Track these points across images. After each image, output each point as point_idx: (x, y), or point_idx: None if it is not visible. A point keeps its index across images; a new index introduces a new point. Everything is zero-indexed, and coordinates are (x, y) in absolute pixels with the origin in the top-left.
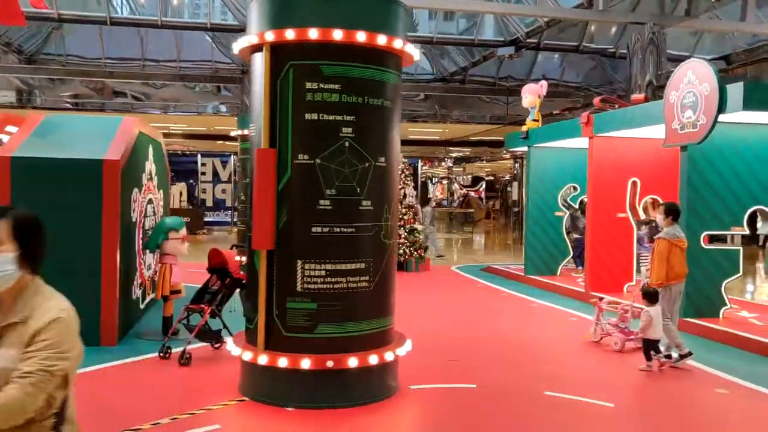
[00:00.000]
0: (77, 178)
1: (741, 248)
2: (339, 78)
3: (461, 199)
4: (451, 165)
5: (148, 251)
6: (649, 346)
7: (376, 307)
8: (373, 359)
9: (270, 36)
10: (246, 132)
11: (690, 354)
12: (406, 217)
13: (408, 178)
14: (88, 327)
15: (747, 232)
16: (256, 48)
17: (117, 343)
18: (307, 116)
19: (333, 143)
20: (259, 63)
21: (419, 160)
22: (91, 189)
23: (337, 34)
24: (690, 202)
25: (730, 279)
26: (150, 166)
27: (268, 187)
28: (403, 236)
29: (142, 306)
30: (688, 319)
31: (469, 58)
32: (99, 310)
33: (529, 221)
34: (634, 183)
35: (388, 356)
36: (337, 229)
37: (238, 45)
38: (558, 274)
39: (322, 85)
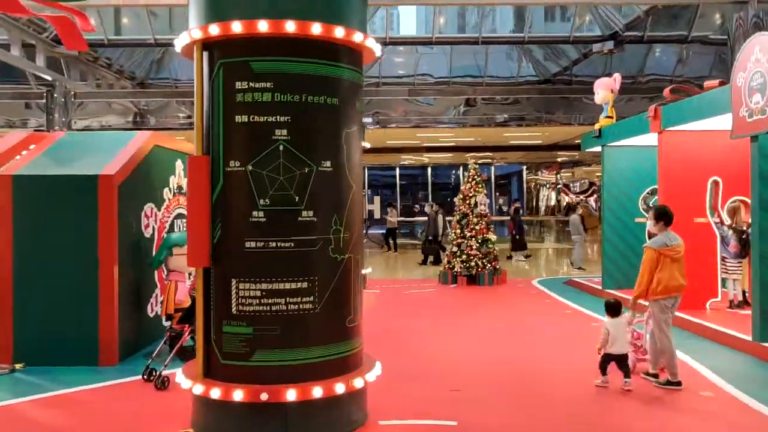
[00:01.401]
0: (73, 194)
1: None
2: (271, 75)
3: (567, 206)
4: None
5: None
6: (606, 360)
7: (327, 331)
8: (317, 391)
9: (197, 33)
10: None
11: (678, 384)
12: (478, 227)
13: (480, 185)
14: (86, 346)
15: None
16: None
17: (119, 363)
18: (238, 119)
19: (265, 147)
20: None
21: (524, 167)
22: (87, 205)
23: (263, 26)
24: (764, 203)
25: None
26: (177, 180)
27: (202, 198)
28: (474, 248)
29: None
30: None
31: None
32: (97, 328)
33: (605, 229)
34: (716, 183)
35: (339, 388)
36: (273, 244)
37: (178, 45)
38: None
39: (252, 84)
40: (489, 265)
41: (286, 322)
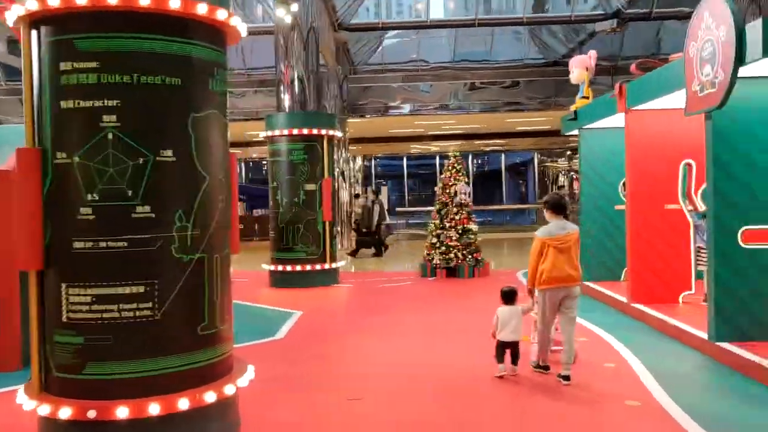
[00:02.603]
0: None
1: None
2: (97, 53)
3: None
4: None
5: None
6: (500, 348)
7: (171, 340)
8: (154, 408)
9: (19, 9)
10: (275, 133)
11: (547, 368)
12: (458, 217)
13: (460, 174)
14: None
15: None
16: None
17: (22, 368)
18: (63, 104)
19: (92, 136)
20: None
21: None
22: None
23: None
24: (719, 188)
25: None
26: None
27: (32, 194)
28: (454, 239)
29: None
30: (725, 345)
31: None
32: None
33: (583, 217)
34: (689, 166)
35: (182, 403)
36: (103, 244)
37: (9, 23)
38: (622, 279)
39: (76, 64)
40: (470, 256)
41: (120, 331)
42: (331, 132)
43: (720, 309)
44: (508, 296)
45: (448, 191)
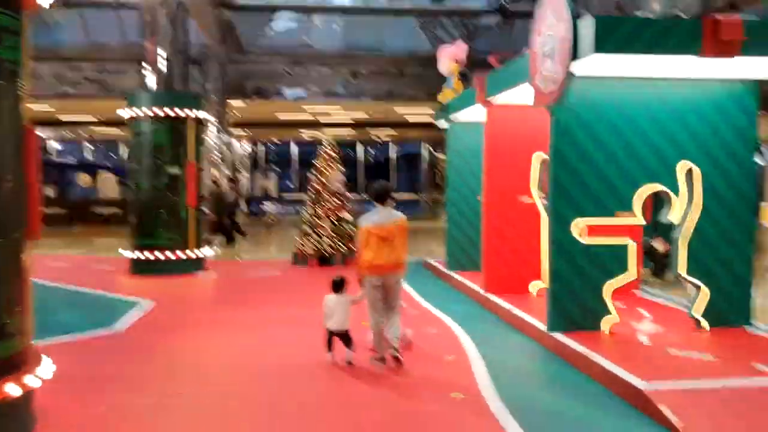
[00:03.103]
0: None
1: (634, 243)
2: None
3: None
4: None
5: None
6: (329, 336)
7: None
8: None
9: None
10: (137, 112)
11: (383, 360)
12: (330, 206)
13: (334, 161)
14: None
15: (639, 220)
16: None
17: None
18: None
19: None
20: None
21: (423, 144)
22: None
23: None
24: (560, 183)
25: (617, 281)
26: None
27: None
28: (327, 227)
29: None
30: (558, 336)
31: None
32: None
33: (449, 208)
34: (543, 160)
35: None
36: None
37: None
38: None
39: None
40: (344, 245)
41: None
42: (197, 113)
43: (556, 300)
44: (337, 285)
45: (322, 179)
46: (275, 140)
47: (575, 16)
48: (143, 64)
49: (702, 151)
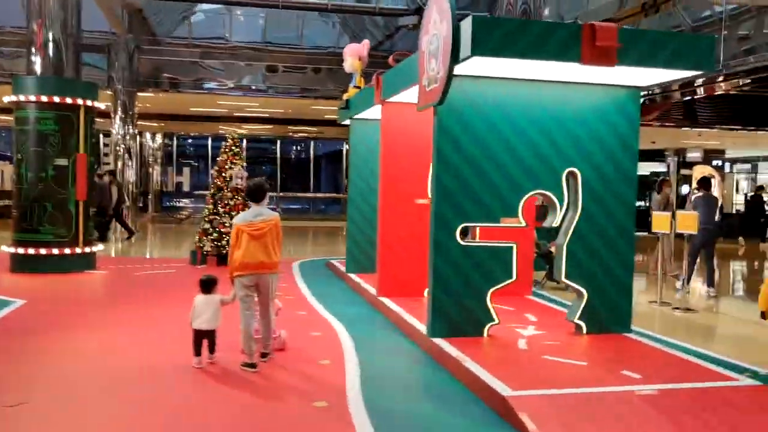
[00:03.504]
0: None
1: (515, 245)
2: None
3: None
4: None
5: None
6: (196, 337)
7: None
8: None
9: None
10: (21, 98)
11: (253, 366)
12: (232, 203)
13: (237, 157)
14: None
15: (524, 224)
16: None
17: None
18: None
19: None
20: None
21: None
22: None
23: None
24: (441, 184)
25: (498, 286)
26: None
27: None
28: (227, 225)
29: None
30: (438, 341)
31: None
32: None
33: (350, 208)
34: None
35: None
36: None
37: None
38: None
39: None
40: None
41: None
42: (90, 102)
43: (437, 304)
44: (206, 285)
45: (223, 175)
46: (192, 134)
47: (455, 15)
48: (31, 47)
49: (584, 157)
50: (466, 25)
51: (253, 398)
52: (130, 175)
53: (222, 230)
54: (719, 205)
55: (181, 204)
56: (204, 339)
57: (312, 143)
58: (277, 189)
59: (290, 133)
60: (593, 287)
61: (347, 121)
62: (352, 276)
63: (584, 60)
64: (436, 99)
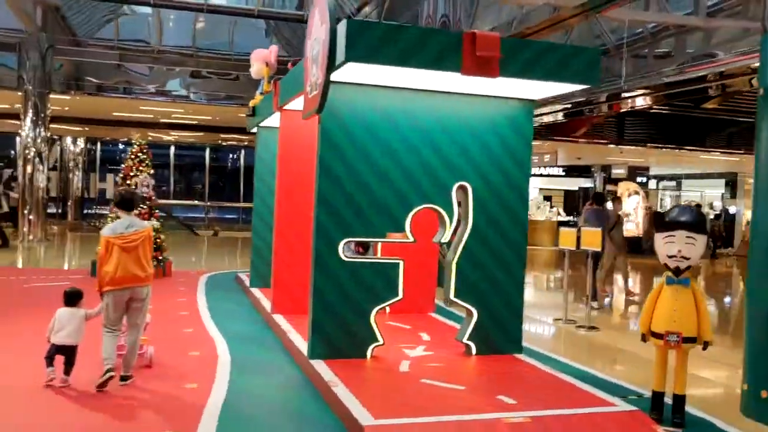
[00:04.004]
0: None
1: (402, 262)
2: None
3: None
4: None
5: None
6: (51, 351)
7: None
8: None
9: None
10: None
11: (110, 375)
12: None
13: (143, 164)
14: None
15: (412, 240)
16: None
17: None
18: None
19: None
20: None
21: None
22: None
23: None
24: (324, 196)
25: (383, 305)
26: None
27: None
28: None
29: None
30: (316, 364)
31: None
32: None
33: (255, 219)
34: None
35: None
36: None
37: None
38: None
39: None
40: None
41: None
42: None
43: (317, 324)
44: (70, 298)
45: (128, 183)
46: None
47: (335, 19)
48: None
49: (475, 171)
50: (342, 29)
51: (98, 423)
52: (41, 180)
53: None
54: (618, 220)
55: (101, 211)
56: (60, 355)
57: (243, 152)
58: (206, 198)
59: (220, 141)
60: (483, 306)
61: (255, 129)
62: (254, 291)
63: (465, 70)
64: (315, 106)
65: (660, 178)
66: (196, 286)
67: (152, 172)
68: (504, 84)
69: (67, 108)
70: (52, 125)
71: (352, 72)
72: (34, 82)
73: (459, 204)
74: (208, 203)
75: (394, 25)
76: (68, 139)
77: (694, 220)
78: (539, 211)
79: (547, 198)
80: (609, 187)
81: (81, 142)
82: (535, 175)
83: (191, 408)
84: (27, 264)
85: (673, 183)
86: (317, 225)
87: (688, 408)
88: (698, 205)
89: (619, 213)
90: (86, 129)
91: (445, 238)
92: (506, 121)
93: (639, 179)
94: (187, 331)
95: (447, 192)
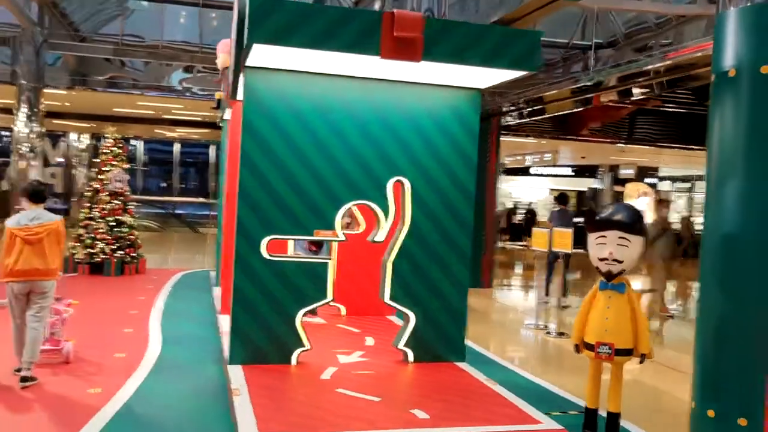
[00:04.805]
0: None
1: (330, 261)
2: None
3: None
4: None
5: None
6: None
7: None
8: None
9: None
10: None
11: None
12: (108, 207)
13: (118, 159)
14: None
15: (342, 238)
16: None
17: None
18: None
19: None
20: None
21: None
22: None
23: None
24: (246, 191)
25: (311, 307)
26: None
27: None
28: (103, 231)
29: None
30: (234, 369)
31: None
32: None
33: (219, 214)
34: None
35: None
36: None
37: None
38: None
39: None
40: (124, 251)
41: None
42: None
43: (237, 327)
44: None
45: (100, 177)
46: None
47: (243, 1)
48: None
49: (415, 166)
50: (248, 10)
51: None
52: (34, 175)
53: (96, 236)
54: (664, 228)
55: None
56: None
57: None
58: (209, 195)
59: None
60: (421, 310)
61: (221, 123)
62: (216, 290)
63: (384, 53)
64: (230, 92)
65: (673, 179)
66: (164, 285)
67: (127, 166)
68: (444, 71)
69: (68, 104)
70: (55, 121)
71: (279, 56)
72: (28, 77)
73: (393, 201)
74: (212, 201)
75: (308, 5)
76: (71, 136)
77: (629, 220)
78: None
79: None
80: (616, 188)
81: (86, 139)
82: (544, 175)
83: (82, 412)
84: None
85: (688, 184)
86: (238, 222)
87: (629, 426)
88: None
89: (664, 218)
90: (94, 125)
91: (380, 237)
92: (450, 112)
93: (648, 180)
94: (126, 331)
95: (382, 187)
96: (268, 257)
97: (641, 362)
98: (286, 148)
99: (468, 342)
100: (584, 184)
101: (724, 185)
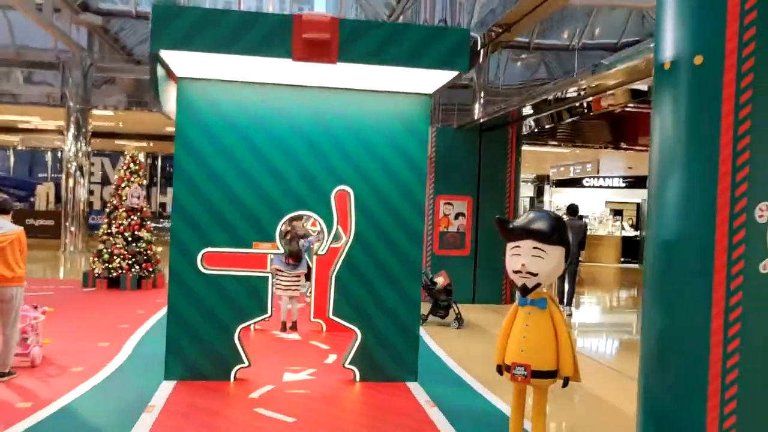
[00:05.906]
0: None
1: (270, 276)
2: None
3: None
4: None
5: None
6: None
7: None
8: None
9: None
10: None
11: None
12: (126, 223)
13: (135, 175)
14: None
15: (283, 251)
16: None
17: None
18: None
19: None
20: None
21: None
22: None
23: None
24: (180, 203)
25: (250, 322)
26: None
27: None
28: (120, 246)
29: None
30: (169, 385)
31: None
32: None
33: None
34: None
35: None
36: None
37: None
38: None
39: None
40: (141, 267)
41: None
42: None
43: (172, 342)
44: None
45: (119, 193)
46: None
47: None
48: None
49: (359, 175)
50: (150, 18)
51: None
52: (82, 193)
53: (114, 252)
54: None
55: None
56: None
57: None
58: None
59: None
60: (367, 327)
61: None
62: None
63: (295, 55)
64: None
65: None
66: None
67: (145, 183)
68: (388, 76)
69: (121, 124)
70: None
71: (212, 66)
72: (75, 99)
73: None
74: None
75: (211, 11)
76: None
77: (546, 229)
78: (602, 226)
79: (618, 212)
80: None
81: (141, 157)
82: (602, 187)
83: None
84: (33, 274)
85: None
86: (172, 235)
87: None
88: None
89: None
90: (151, 144)
91: (323, 250)
92: (395, 119)
93: None
94: (101, 345)
95: (326, 197)
96: (204, 271)
97: (564, 386)
98: (222, 159)
99: (448, 360)
100: (639, 195)
101: (665, 188)
